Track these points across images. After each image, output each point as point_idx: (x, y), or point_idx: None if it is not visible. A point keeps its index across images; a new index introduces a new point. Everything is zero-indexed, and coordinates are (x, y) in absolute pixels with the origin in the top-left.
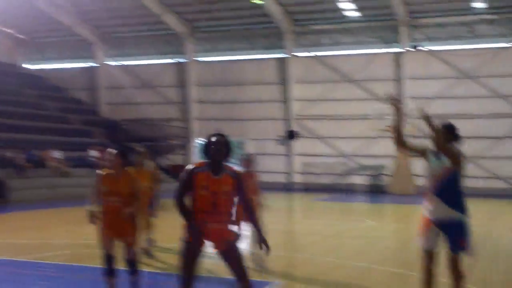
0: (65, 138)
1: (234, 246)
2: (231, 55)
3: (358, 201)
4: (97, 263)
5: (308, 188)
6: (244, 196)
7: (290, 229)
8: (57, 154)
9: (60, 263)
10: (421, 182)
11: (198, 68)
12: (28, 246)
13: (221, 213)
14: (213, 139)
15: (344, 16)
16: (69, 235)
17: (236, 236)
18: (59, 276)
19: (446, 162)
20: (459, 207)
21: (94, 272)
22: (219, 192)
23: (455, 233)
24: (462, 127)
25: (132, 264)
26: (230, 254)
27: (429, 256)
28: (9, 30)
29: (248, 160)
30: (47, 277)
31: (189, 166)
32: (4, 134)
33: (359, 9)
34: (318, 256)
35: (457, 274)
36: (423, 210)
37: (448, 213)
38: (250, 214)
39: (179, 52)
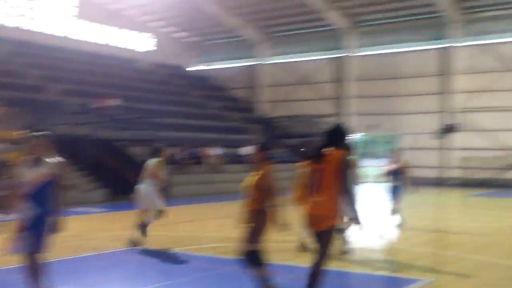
0: (224, 135)
1: None
2: (392, 48)
3: None
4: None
5: (466, 184)
6: None
7: (441, 226)
8: (216, 151)
9: (213, 256)
10: None
11: (357, 63)
12: (185, 238)
13: None
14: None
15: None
16: (222, 229)
17: None
18: (212, 268)
19: None
20: None
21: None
22: None
23: None
24: None
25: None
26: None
27: None
28: (178, 35)
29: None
30: (202, 269)
31: None
32: (170, 133)
33: None
34: (469, 254)
35: None
36: None
37: None
38: None
39: (338, 47)
